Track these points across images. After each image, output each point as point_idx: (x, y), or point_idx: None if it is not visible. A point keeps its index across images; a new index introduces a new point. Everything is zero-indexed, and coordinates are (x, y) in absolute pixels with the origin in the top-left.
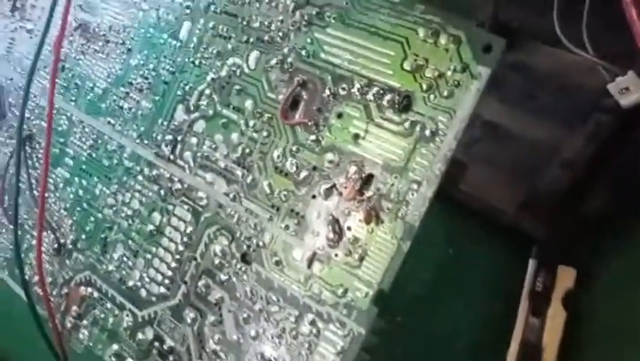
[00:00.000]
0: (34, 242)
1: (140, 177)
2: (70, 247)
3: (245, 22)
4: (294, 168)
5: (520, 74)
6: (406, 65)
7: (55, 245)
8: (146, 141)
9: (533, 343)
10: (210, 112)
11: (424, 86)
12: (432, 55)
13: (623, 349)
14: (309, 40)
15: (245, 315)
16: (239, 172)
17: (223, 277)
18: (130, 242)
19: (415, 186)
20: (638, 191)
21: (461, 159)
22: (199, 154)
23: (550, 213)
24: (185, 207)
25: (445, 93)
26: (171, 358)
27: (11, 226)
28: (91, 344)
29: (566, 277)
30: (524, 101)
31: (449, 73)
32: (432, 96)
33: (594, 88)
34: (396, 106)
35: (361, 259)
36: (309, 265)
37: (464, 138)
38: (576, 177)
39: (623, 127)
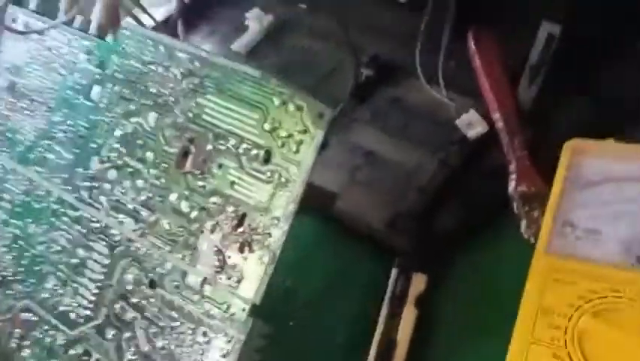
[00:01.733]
0: None
1: (65, 218)
2: (10, 278)
3: (144, 87)
4: (188, 209)
5: (397, 107)
6: (266, 126)
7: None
8: (69, 187)
9: (390, 339)
10: (119, 162)
11: (279, 143)
12: (284, 119)
13: (463, 343)
14: (193, 104)
15: (154, 330)
16: (144, 213)
17: (135, 300)
18: (60, 273)
19: (275, 222)
20: (482, 211)
21: (343, 183)
22: (112, 198)
23: (410, 230)
24: (103, 243)
25: (294, 149)
26: None
27: None
28: (33, 360)
29: (418, 282)
30: (398, 131)
31: (296, 133)
32: (284, 150)
33: (449, 121)
34: (260, 159)
35: (239, 280)
36: (201, 288)
37: (348, 165)
38: (428, 201)
39: (469, 156)
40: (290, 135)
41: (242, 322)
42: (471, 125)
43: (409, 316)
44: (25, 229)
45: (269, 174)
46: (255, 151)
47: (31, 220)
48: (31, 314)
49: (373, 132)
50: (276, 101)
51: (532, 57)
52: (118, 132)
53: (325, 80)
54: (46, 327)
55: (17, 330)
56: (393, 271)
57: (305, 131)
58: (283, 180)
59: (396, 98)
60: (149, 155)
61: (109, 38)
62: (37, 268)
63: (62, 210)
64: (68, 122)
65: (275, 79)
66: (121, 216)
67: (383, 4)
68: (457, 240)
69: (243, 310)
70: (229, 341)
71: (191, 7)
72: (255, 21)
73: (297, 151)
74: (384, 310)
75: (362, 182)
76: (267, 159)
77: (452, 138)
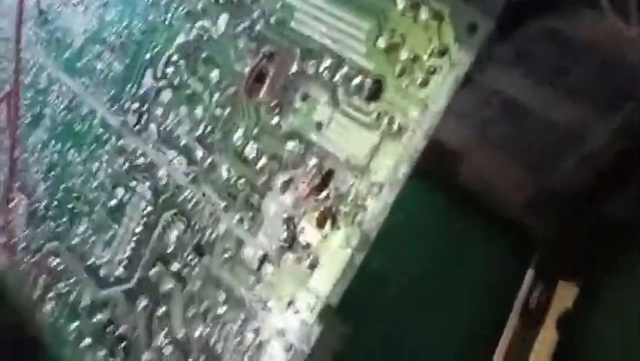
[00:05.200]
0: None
1: (107, 147)
2: (42, 213)
3: None
4: (254, 154)
5: (554, 43)
6: (381, 43)
7: (29, 210)
8: (114, 108)
9: None
10: (177, 81)
11: (397, 70)
12: (410, 32)
13: None
14: (279, 4)
15: (192, 312)
16: (199, 152)
17: (175, 267)
18: (94, 216)
19: (375, 190)
20: None
21: (470, 141)
22: (163, 127)
23: (560, 215)
24: (147, 184)
25: (419, 81)
26: (123, 345)
27: None
28: (54, 317)
29: (565, 296)
30: (554, 77)
31: (426, 56)
32: (404, 83)
33: (637, 71)
34: (365, 92)
35: (312, 267)
36: (260, 267)
37: (476, 116)
38: (596, 176)
39: None
40: (416, 58)
41: (308, 326)
42: None
43: (547, 340)
44: (63, 155)
45: (375, 115)
46: (358, 79)
47: (70, 145)
48: (58, 260)
49: (518, 75)
50: (401, 4)
51: None
52: (179, 39)
53: None
54: (72, 280)
55: (43, 277)
56: (529, 274)
57: (442, 53)
58: (395, 127)
59: (552, 31)
60: (214, 73)
61: None
62: (70, 205)
63: (106, 135)
64: (123, 22)
65: None
66: (171, 152)
67: None
68: (629, 239)
69: (312, 310)
70: (287, 350)
71: None
72: None
73: (425, 84)
74: (510, 325)
75: (495, 141)
76: (375, 93)
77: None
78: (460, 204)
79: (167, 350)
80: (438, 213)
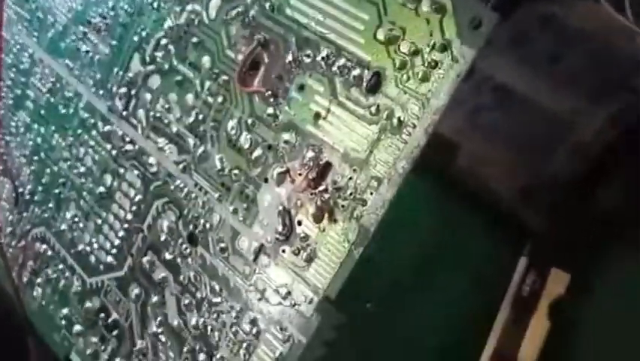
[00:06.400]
0: None
1: (94, 132)
2: (27, 197)
3: None
4: (248, 144)
5: (549, 29)
6: (380, 35)
7: (14, 194)
8: (101, 92)
9: (509, 354)
10: (166, 66)
11: (397, 64)
12: (410, 25)
13: None
14: None
15: (187, 301)
16: (191, 140)
17: (168, 256)
18: (82, 202)
19: (374, 184)
20: None
21: (461, 130)
22: (152, 113)
23: (553, 204)
24: (136, 172)
25: (420, 75)
26: (115, 332)
27: None
28: (44, 303)
29: (557, 283)
30: (548, 63)
31: (427, 50)
32: (404, 77)
33: (631, 60)
34: (364, 85)
35: (309, 260)
36: (255, 258)
37: (467, 103)
38: (589, 166)
39: None
40: (417, 52)
41: (305, 318)
42: None
43: (538, 327)
44: (47, 139)
45: (374, 109)
46: (357, 71)
47: (55, 128)
48: (45, 246)
49: (511, 61)
50: None
51: None
52: (167, 23)
53: None
54: (61, 266)
55: (30, 262)
56: (522, 261)
57: (444, 48)
58: (395, 122)
59: (550, 17)
60: (205, 60)
61: None
62: (57, 190)
63: (92, 120)
64: (108, 3)
65: None
66: (161, 140)
67: None
68: (620, 228)
69: (310, 302)
70: (285, 341)
71: None
72: None
73: (425, 79)
74: (502, 313)
75: (486, 129)
76: (374, 87)
77: (632, 83)
78: (454, 193)
79: (162, 337)
80: (432, 203)
